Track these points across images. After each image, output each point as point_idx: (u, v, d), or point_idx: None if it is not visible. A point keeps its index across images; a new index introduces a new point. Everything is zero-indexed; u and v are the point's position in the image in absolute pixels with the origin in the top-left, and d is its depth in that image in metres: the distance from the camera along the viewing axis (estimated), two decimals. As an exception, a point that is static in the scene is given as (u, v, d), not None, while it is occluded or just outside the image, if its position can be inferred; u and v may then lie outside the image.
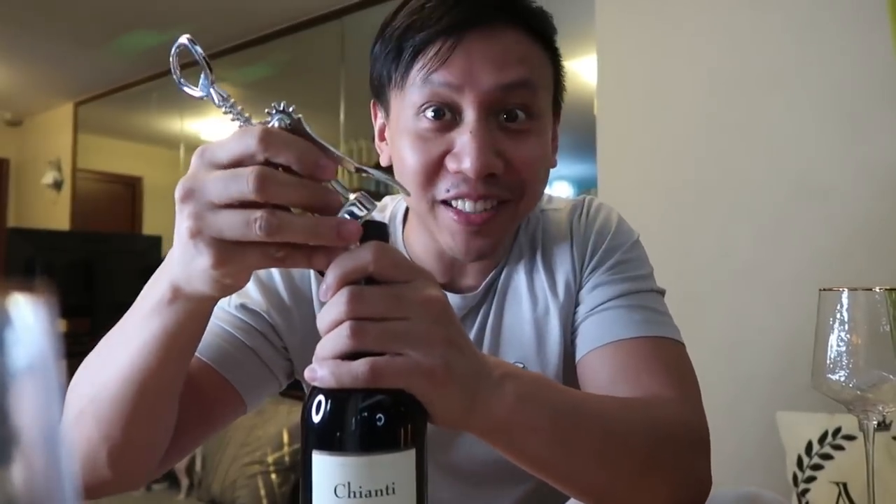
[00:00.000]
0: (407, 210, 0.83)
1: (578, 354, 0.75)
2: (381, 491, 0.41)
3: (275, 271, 0.78)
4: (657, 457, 0.61)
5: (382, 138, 0.77)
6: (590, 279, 0.78)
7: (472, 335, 0.78)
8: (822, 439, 1.43)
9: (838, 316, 0.64)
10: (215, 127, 4.83)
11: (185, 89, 0.51)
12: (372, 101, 0.79)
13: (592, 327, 0.74)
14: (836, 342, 0.64)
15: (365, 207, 0.45)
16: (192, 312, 0.53)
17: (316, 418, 0.43)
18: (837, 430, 1.42)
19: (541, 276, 0.79)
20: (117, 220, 5.30)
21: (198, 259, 0.46)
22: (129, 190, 5.44)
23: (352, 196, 0.45)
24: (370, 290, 0.44)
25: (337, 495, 0.40)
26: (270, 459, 2.32)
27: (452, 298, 0.78)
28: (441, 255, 0.77)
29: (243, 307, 0.74)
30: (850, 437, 1.40)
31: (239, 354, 0.72)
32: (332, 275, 0.45)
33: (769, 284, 1.82)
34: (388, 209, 0.85)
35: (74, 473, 0.21)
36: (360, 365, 0.43)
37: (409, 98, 0.68)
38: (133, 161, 5.33)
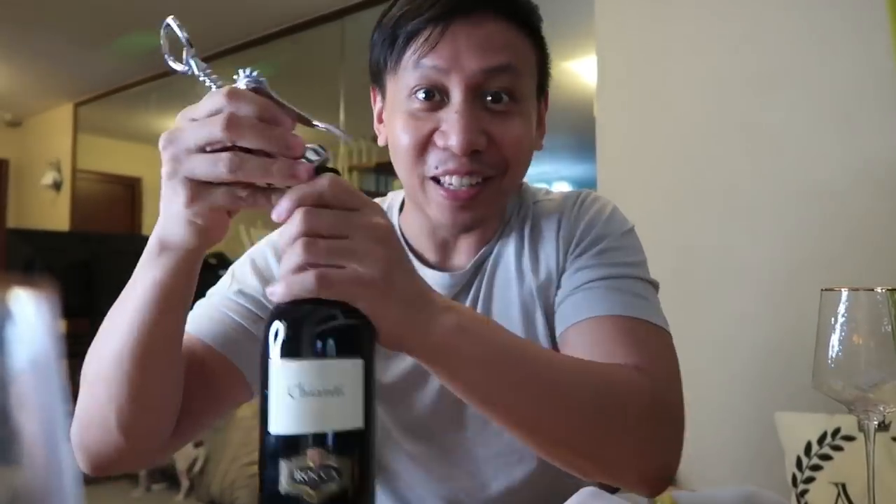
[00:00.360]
0: (403, 201, 0.88)
1: (557, 332, 0.77)
2: (330, 392, 0.46)
3: (270, 257, 0.81)
4: (609, 418, 0.63)
5: (381, 120, 0.82)
6: (574, 263, 0.79)
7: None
8: (821, 440, 1.43)
9: (839, 316, 0.64)
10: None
11: (171, 63, 0.59)
12: (371, 87, 0.84)
13: (571, 306, 0.76)
14: (837, 342, 0.64)
15: (318, 154, 0.52)
16: (177, 264, 0.59)
17: (272, 329, 0.47)
18: (836, 431, 1.42)
19: (527, 257, 0.82)
20: (117, 221, 5.30)
21: (174, 200, 0.54)
22: (128, 190, 5.44)
23: (309, 145, 0.52)
24: (321, 211, 0.50)
25: (291, 396, 0.45)
26: (270, 460, 2.32)
27: (443, 277, 0.81)
28: (433, 234, 0.82)
29: (241, 292, 0.78)
30: (849, 438, 1.40)
31: (240, 337, 0.74)
32: (288, 198, 0.50)
33: (768, 284, 1.82)
34: (388, 201, 0.90)
35: (76, 471, 0.21)
36: (309, 275, 0.48)
37: (402, 81, 0.74)
38: (133, 162, 5.33)
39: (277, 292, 0.49)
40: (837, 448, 1.41)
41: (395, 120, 0.75)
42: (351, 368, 0.47)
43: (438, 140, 0.72)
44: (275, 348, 0.47)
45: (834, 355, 0.64)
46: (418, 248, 0.84)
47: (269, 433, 0.46)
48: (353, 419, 0.46)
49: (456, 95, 0.72)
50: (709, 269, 1.92)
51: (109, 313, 0.67)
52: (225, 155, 0.50)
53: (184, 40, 0.57)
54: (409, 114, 0.74)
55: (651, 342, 0.73)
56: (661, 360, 0.72)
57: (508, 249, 0.83)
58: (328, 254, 0.49)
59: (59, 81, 4.77)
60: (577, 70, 2.57)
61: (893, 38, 1.54)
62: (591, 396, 0.63)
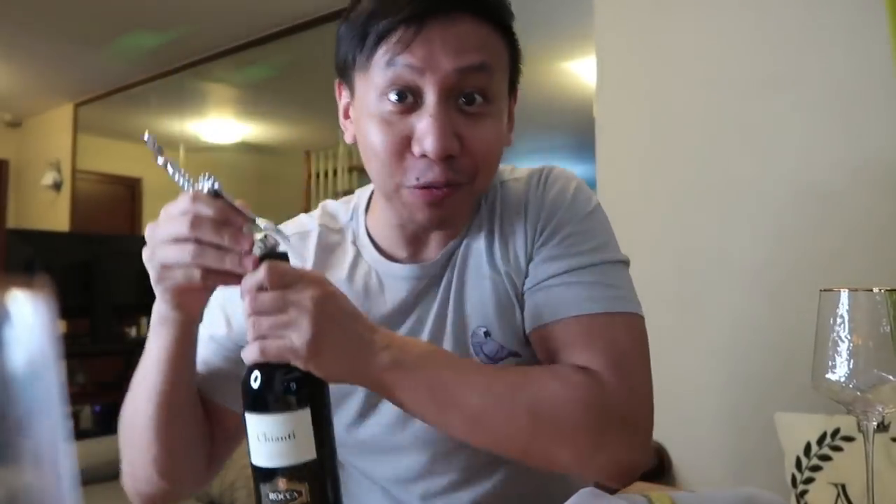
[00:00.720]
0: (370, 197, 0.90)
1: (527, 328, 0.80)
2: (286, 437, 0.60)
3: (229, 299, 0.84)
4: (543, 432, 0.70)
5: (347, 116, 0.83)
6: (540, 252, 0.80)
7: (436, 304, 0.83)
8: (820, 440, 1.43)
9: (838, 317, 0.64)
10: (215, 128, 4.83)
11: (157, 159, 0.69)
12: (337, 81, 0.83)
13: (535, 305, 0.79)
14: (836, 343, 0.64)
15: (267, 243, 0.65)
16: (174, 333, 0.72)
17: (242, 385, 0.63)
18: (836, 432, 1.42)
19: (497, 246, 0.83)
20: (117, 222, 5.31)
21: (154, 281, 0.67)
22: (128, 191, 5.44)
23: (258, 236, 0.65)
24: (262, 295, 0.64)
25: (258, 439, 0.61)
26: (270, 460, 2.32)
27: (412, 269, 0.83)
28: (403, 230, 0.83)
29: (212, 338, 0.84)
30: (848, 439, 1.40)
31: (223, 380, 0.82)
32: (242, 287, 0.64)
33: (768, 285, 1.82)
34: (354, 200, 0.92)
35: (74, 472, 0.21)
36: (254, 346, 0.63)
37: (372, 80, 0.73)
38: (133, 162, 5.33)
39: (243, 356, 0.64)
40: (837, 449, 1.41)
41: (366, 122, 0.75)
42: (300, 417, 0.61)
43: (414, 147, 0.72)
44: (244, 402, 0.63)
45: (833, 356, 0.64)
46: (387, 245, 0.86)
47: (251, 463, 0.62)
48: (306, 453, 0.61)
49: (430, 97, 0.71)
50: (708, 269, 1.92)
51: (134, 377, 0.76)
52: (189, 246, 0.63)
53: (156, 151, 0.67)
54: (382, 117, 0.73)
55: (616, 338, 0.75)
56: (621, 361, 0.74)
57: (479, 238, 0.84)
58: (268, 328, 0.63)
59: (59, 81, 4.77)
60: (576, 70, 2.58)
61: (893, 38, 1.54)
62: (523, 413, 0.70)
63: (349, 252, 0.87)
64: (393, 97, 0.72)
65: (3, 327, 0.20)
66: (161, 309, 0.71)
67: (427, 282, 0.83)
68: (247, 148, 4.70)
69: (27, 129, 5.75)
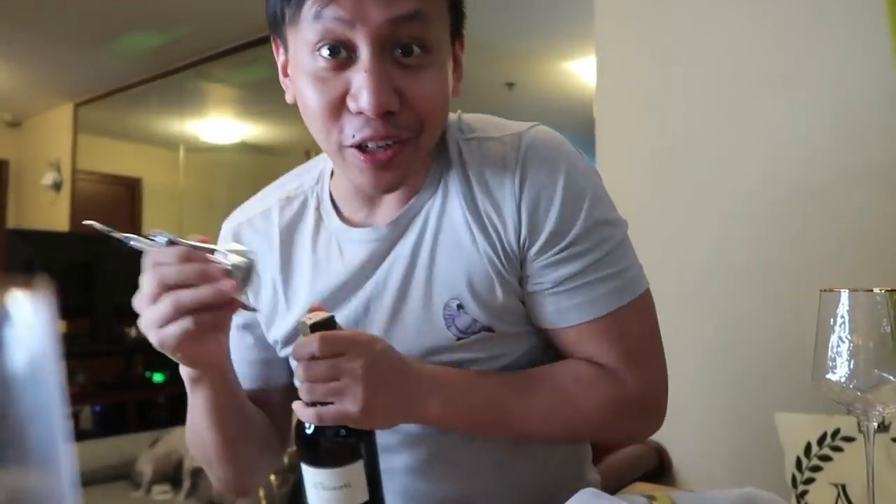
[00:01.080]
0: None
1: (545, 325, 0.81)
2: (341, 487, 0.67)
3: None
4: (576, 428, 0.81)
5: (286, 74, 0.79)
6: (544, 254, 0.77)
7: (401, 269, 0.80)
8: (820, 441, 1.43)
9: (839, 317, 0.64)
10: (215, 128, 4.83)
11: (112, 235, 0.69)
12: (272, 38, 0.79)
13: (545, 311, 0.79)
14: (836, 343, 0.64)
15: (239, 267, 0.67)
16: (205, 386, 0.75)
17: (299, 440, 0.70)
18: (836, 432, 1.42)
19: (474, 220, 0.78)
20: (117, 221, 5.24)
21: (161, 350, 0.67)
22: (128, 191, 5.44)
23: (226, 262, 0.67)
24: (315, 365, 0.68)
25: (315, 488, 0.67)
26: (269, 460, 2.32)
27: (369, 231, 0.81)
28: (358, 192, 0.82)
29: (239, 327, 0.89)
30: (848, 439, 1.40)
31: (265, 369, 0.91)
32: (294, 354, 0.69)
33: (768, 285, 1.82)
34: (319, 167, 0.89)
35: (73, 472, 0.21)
36: (310, 412, 0.68)
37: (302, 35, 0.69)
38: (133, 162, 5.33)
39: (296, 410, 0.69)
40: (837, 449, 1.41)
41: (301, 80, 0.71)
42: (355, 469, 0.68)
43: (350, 103, 0.69)
44: (302, 453, 0.69)
45: (833, 356, 0.64)
46: (348, 210, 0.84)
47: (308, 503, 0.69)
48: (360, 496, 0.68)
49: (364, 51, 0.67)
50: (708, 268, 1.92)
51: (189, 418, 0.81)
52: (165, 299, 0.64)
53: (106, 232, 0.68)
54: (315, 75, 0.70)
55: (628, 330, 0.79)
56: (634, 353, 0.80)
57: (453, 204, 0.79)
58: (323, 395, 0.68)
59: (59, 81, 4.77)
60: (576, 70, 2.58)
61: (893, 39, 1.54)
62: (559, 421, 0.79)
63: (311, 219, 0.85)
64: (325, 53, 0.68)
65: (3, 327, 0.20)
66: (185, 372, 0.74)
67: (386, 244, 0.80)
68: (247, 148, 4.70)
69: (27, 129, 5.75)
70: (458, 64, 0.78)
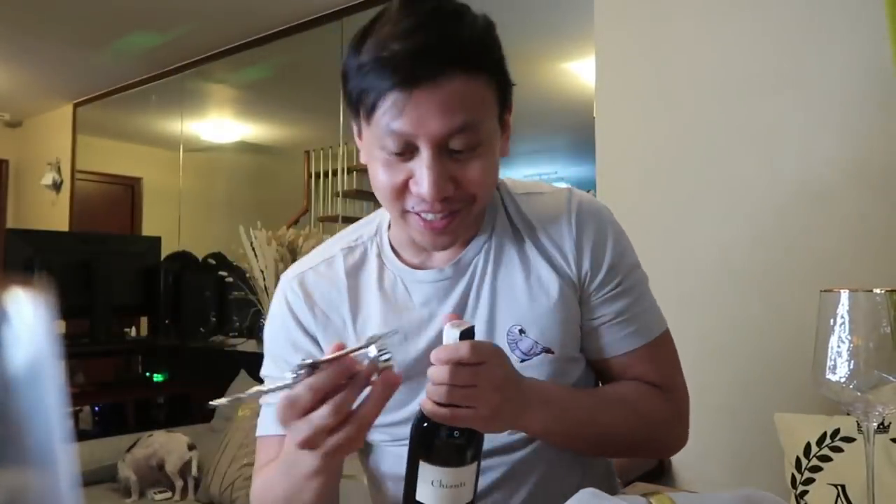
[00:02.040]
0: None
1: (600, 355, 0.97)
2: (457, 486, 0.72)
3: (296, 317, 0.98)
4: (643, 437, 0.96)
5: (360, 138, 0.91)
6: (599, 293, 0.94)
7: (466, 303, 0.94)
8: (820, 441, 1.43)
9: (839, 317, 0.64)
10: (214, 128, 4.83)
11: (243, 397, 0.73)
12: (348, 108, 0.91)
13: (599, 343, 0.96)
14: (836, 343, 0.64)
15: (381, 352, 0.70)
16: (328, 473, 0.81)
17: (420, 437, 0.73)
18: (836, 432, 1.42)
19: (537, 256, 0.94)
20: (116, 221, 5.30)
21: (305, 460, 0.77)
22: (128, 191, 5.44)
23: (371, 354, 0.70)
24: (460, 370, 0.73)
25: (432, 484, 0.72)
26: (269, 461, 2.31)
27: (433, 273, 0.95)
28: (414, 243, 0.94)
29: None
30: (848, 439, 1.40)
31: None
32: (437, 358, 0.73)
33: (768, 286, 1.82)
34: (377, 219, 1.02)
35: (73, 472, 0.21)
36: (446, 412, 0.73)
37: (374, 133, 0.83)
38: (132, 162, 5.33)
39: (427, 410, 0.73)
40: (837, 449, 1.40)
41: (372, 161, 0.86)
42: (471, 470, 0.73)
43: (413, 187, 0.83)
44: (422, 450, 0.73)
45: (833, 356, 0.64)
46: (407, 255, 0.97)
47: (416, 499, 0.73)
48: (468, 496, 0.74)
49: (424, 151, 0.81)
50: (708, 269, 1.92)
51: (280, 484, 0.86)
52: (322, 427, 0.70)
53: (239, 402, 0.74)
54: (384, 161, 0.84)
55: (665, 357, 0.99)
56: (672, 374, 0.99)
57: (509, 245, 0.95)
58: (461, 398, 0.73)
59: (58, 82, 4.77)
60: (576, 71, 2.58)
61: (892, 39, 1.54)
62: (631, 431, 0.94)
63: (374, 264, 0.98)
64: (392, 149, 0.82)
65: (3, 327, 0.20)
66: (313, 461, 0.77)
67: (450, 282, 0.94)
68: (246, 148, 4.70)
69: (27, 129, 5.75)
70: (506, 128, 0.91)
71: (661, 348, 0.97)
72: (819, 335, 0.66)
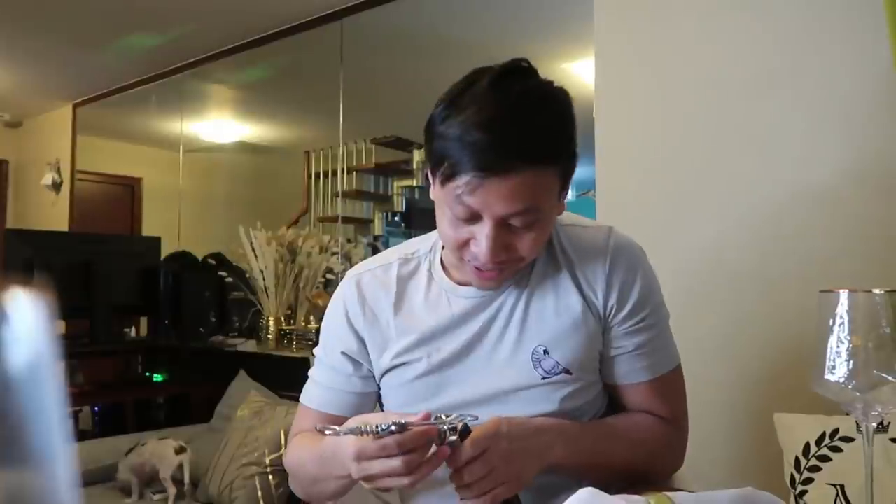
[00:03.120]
0: None
1: (615, 381, 1.07)
2: None
3: (353, 307, 1.11)
4: (651, 465, 1.08)
5: (433, 182, 0.99)
6: (624, 324, 1.04)
7: (498, 320, 1.04)
8: (819, 441, 1.43)
9: (838, 317, 0.64)
10: (214, 128, 4.83)
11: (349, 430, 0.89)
12: (424, 148, 1.02)
13: (626, 368, 1.06)
14: (835, 344, 0.64)
15: (451, 434, 0.85)
16: (351, 482, 0.97)
17: None
18: (835, 432, 1.42)
19: (569, 283, 1.04)
20: (116, 222, 5.30)
21: (343, 466, 0.90)
22: (128, 191, 5.44)
23: (443, 428, 0.86)
24: (472, 467, 0.86)
25: None
26: (268, 460, 2.31)
27: (476, 291, 1.05)
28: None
29: (334, 368, 1.12)
30: (847, 439, 1.40)
31: (359, 403, 1.11)
32: (451, 465, 0.87)
33: (767, 286, 1.82)
34: (432, 238, 1.13)
35: (73, 473, 0.21)
36: (486, 499, 0.88)
37: (446, 195, 0.93)
38: (132, 162, 5.33)
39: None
40: (836, 449, 1.40)
41: (441, 213, 0.97)
42: None
43: (473, 245, 0.94)
44: None
45: (832, 357, 0.64)
46: (453, 272, 1.08)
47: None
48: None
49: (486, 223, 0.91)
50: (707, 269, 1.92)
51: (318, 469, 1.03)
52: (395, 481, 0.88)
53: (350, 432, 0.86)
54: (452, 218, 0.94)
55: (676, 390, 1.10)
56: (680, 406, 1.10)
57: (546, 272, 1.05)
58: (489, 485, 0.87)
59: (58, 82, 4.77)
60: (576, 71, 2.58)
61: (892, 38, 1.54)
62: (641, 457, 1.05)
63: (424, 277, 1.10)
64: (459, 216, 0.93)
65: (3, 327, 0.20)
66: (345, 474, 0.92)
67: (487, 299, 1.05)
68: (246, 148, 4.69)
69: (27, 129, 5.74)
70: (565, 188, 0.99)
71: (672, 383, 1.08)
72: (819, 335, 0.66)
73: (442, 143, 0.92)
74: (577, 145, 0.97)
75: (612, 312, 1.03)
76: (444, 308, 1.06)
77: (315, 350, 1.17)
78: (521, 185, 0.89)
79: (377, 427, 0.83)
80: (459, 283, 1.07)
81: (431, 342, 1.05)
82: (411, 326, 1.07)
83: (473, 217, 0.92)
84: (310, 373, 1.17)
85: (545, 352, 1.02)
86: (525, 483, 0.91)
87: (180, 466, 2.48)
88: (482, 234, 0.92)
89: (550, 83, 0.96)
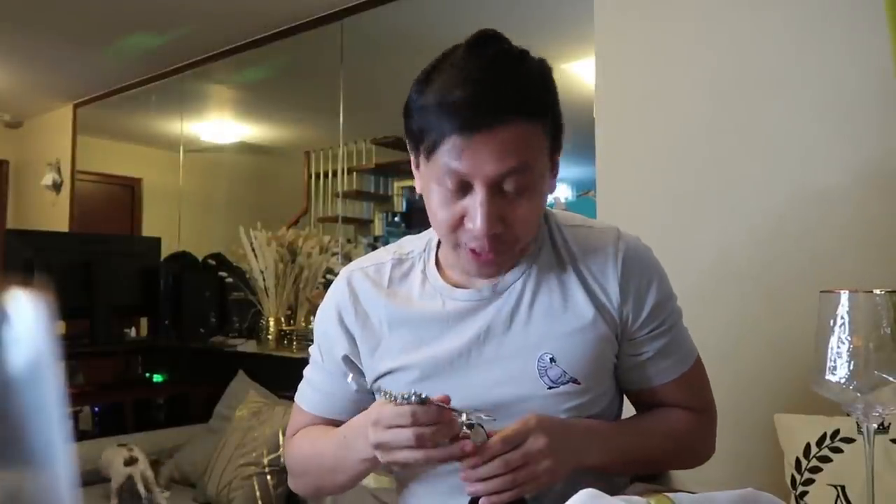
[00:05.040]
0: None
1: (641, 385, 1.05)
2: None
3: (340, 314, 1.08)
4: (682, 457, 1.10)
5: (418, 169, 0.98)
6: (643, 329, 1.01)
7: (498, 324, 1.00)
8: (820, 442, 1.43)
9: (838, 318, 0.64)
10: (214, 129, 4.83)
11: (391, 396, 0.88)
12: (406, 138, 0.98)
13: (642, 374, 1.04)
14: (836, 344, 0.64)
15: (471, 427, 0.85)
16: (372, 468, 0.97)
17: None
18: (836, 433, 1.42)
19: (576, 284, 0.99)
20: (116, 222, 5.30)
21: (377, 453, 0.89)
22: (128, 192, 5.44)
23: (463, 419, 0.85)
24: (510, 456, 0.85)
25: None
26: (266, 461, 2.31)
27: (471, 293, 1.01)
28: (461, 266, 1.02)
29: (331, 373, 1.09)
30: (848, 440, 1.40)
31: (355, 406, 1.06)
32: (479, 459, 0.85)
33: (768, 286, 1.82)
34: (427, 236, 1.10)
35: (72, 473, 0.21)
36: (514, 493, 0.86)
37: (433, 170, 0.90)
38: (132, 163, 5.33)
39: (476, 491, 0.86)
40: (837, 450, 1.40)
41: (430, 194, 0.93)
42: None
43: (467, 222, 0.90)
44: None
45: (833, 357, 0.64)
46: (449, 273, 1.04)
47: None
48: None
49: (478, 189, 0.88)
50: (708, 269, 1.92)
51: (324, 459, 1.04)
52: (416, 454, 0.86)
53: (397, 398, 0.85)
54: (442, 197, 0.91)
55: (699, 384, 1.08)
56: (706, 398, 1.09)
57: (550, 277, 1.00)
58: (524, 479, 0.86)
59: (58, 82, 4.77)
60: (576, 71, 2.58)
61: (892, 39, 1.54)
62: (675, 450, 1.06)
63: (418, 277, 1.06)
64: (449, 186, 0.89)
65: (3, 328, 0.20)
66: (370, 456, 0.91)
67: (484, 302, 1.00)
68: (246, 148, 4.69)
69: (27, 129, 5.74)
70: (555, 166, 0.97)
71: (696, 374, 1.07)
72: (819, 336, 0.66)
73: (421, 116, 0.90)
74: (562, 116, 0.95)
75: (629, 320, 0.99)
76: (437, 310, 1.01)
77: (310, 349, 1.14)
78: (509, 140, 0.86)
79: (400, 395, 0.83)
80: (455, 286, 1.03)
81: (424, 346, 1.00)
82: (404, 329, 1.02)
83: (464, 187, 0.89)
84: (304, 371, 1.13)
85: (552, 360, 0.97)
86: (559, 479, 0.89)
87: (130, 478, 2.30)
88: (475, 205, 0.88)
89: (526, 49, 0.93)
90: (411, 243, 1.12)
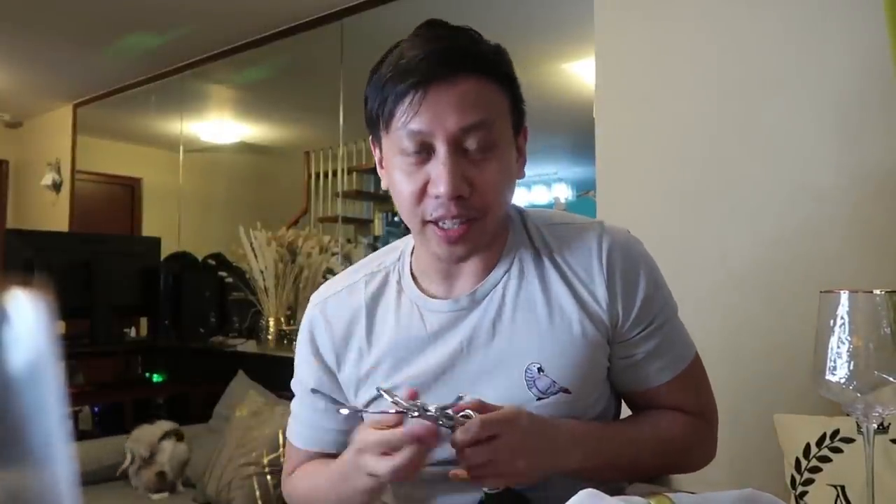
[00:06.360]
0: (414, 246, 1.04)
1: (636, 388, 1.00)
2: None
3: (315, 344, 1.04)
4: (675, 463, 1.04)
5: (382, 167, 0.95)
6: (634, 330, 0.95)
7: (480, 335, 0.95)
8: (819, 442, 1.43)
9: (838, 318, 0.64)
10: (214, 129, 4.83)
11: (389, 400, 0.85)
12: (370, 138, 0.97)
13: (635, 376, 0.98)
14: (836, 344, 0.64)
15: (446, 421, 0.81)
16: (378, 489, 0.90)
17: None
18: (835, 433, 1.42)
19: (561, 290, 0.94)
20: (116, 222, 5.30)
21: (362, 480, 0.87)
22: (128, 191, 5.44)
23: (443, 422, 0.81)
24: (476, 451, 0.80)
25: None
26: (266, 461, 2.31)
27: (448, 303, 0.96)
28: (437, 266, 0.97)
29: (315, 408, 1.04)
30: (848, 440, 1.40)
31: (341, 438, 1.02)
32: (455, 445, 0.80)
33: (768, 287, 1.82)
34: (401, 246, 1.05)
35: (73, 472, 0.21)
36: (488, 481, 0.83)
37: (394, 141, 0.88)
38: (132, 163, 5.33)
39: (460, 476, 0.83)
40: (836, 450, 1.40)
41: (393, 172, 0.90)
42: None
43: (431, 189, 0.86)
44: None
45: (833, 357, 0.64)
46: (426, 283, 0.99)
47: None
48: None
49: (440, 149, 0.85)
50: (708, 269, 1.92)
51: (325, 486, 0.98)
52: (407, 453, 0.80)
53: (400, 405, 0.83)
54: (404, 169, 0.88)
55: (696, 384, 1.02)
56: (703, 398, 1.03)
57: (531, 280, 0.95)
58: (487, 473, 0.81)
59: (58, 82, 4.77)
60: (576, 71, 2.58)
61: (891, 39, 1.54)
62: (669, 456, 0.99)
63: (393, 290, 1.01)
64: (410, 152, 0.86)
65: (3, 328, 0.20)
66: (369, 487, 0.88)
67: (464, 313, 0.95)
68: (246, 148, 4.69)
69: (27, 129, 5.74)
70: (521, 152, 0.96)
71: (694, 374, 1.01)
72: (819, 336, 0.66)
73: (377, 91, 0.88)
74: (523, 101, 0.94)
75: (620, 320, 0.94)
76: (416, 325, 0.97)
77: (292, 383, 1.08)
78: (467, 94, 0.84)
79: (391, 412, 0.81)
80: (432, 297, 0.98)
81: (406, 366, 0.96)
82: (385, 351, 0.98)
83: (425, 148, 0.86)
84: (292, 405, 1.08)
85: (539, 370, 0.91)
86: (529, 482, 0.84)
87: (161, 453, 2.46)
88: (438, 167, 0.85)
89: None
90: (382, 256, 1.07)
